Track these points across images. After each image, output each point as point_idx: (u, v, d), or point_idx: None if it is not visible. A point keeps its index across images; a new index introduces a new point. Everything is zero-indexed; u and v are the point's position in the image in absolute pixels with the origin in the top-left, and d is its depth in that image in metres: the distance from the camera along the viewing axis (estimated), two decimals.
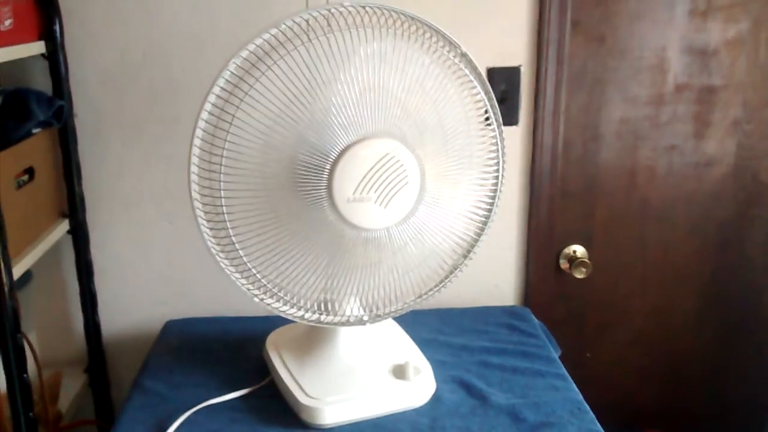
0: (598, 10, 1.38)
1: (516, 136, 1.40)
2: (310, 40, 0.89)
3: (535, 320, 1.32)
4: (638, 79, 1.42)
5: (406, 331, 1.18)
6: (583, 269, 1.46)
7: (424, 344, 1.15)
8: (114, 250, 1.38)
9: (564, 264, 1.50)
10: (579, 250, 1.49)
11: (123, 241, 1.38)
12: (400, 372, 1.05)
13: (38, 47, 1.19)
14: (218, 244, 0.94)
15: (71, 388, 1.31)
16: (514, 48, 1.36)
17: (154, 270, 1.40)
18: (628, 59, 1.41)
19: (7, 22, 1.08)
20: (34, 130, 1.17)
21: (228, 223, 0.93)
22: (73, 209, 1.30)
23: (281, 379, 1.06)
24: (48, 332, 1.38)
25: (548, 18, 1.35)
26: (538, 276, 1.48)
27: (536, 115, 1.40)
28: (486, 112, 1.00)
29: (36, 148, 1.19)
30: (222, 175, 0.91)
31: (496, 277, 1.46)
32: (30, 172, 1.16)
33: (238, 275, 0.95)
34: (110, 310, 1.40)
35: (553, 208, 1.46)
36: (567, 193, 1.46)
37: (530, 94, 1.39)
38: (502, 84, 1.38)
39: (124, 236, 1.38)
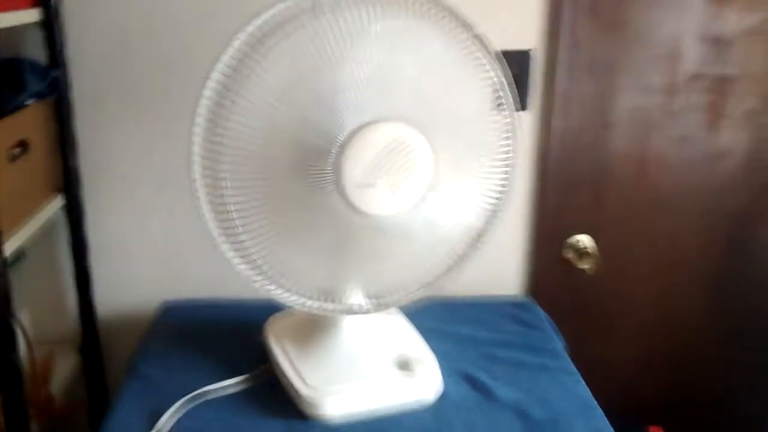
0: None
1: (525, 122, 1.36)
2: (318, 16, 0.85)
3: (542, 312, 1.29)
4: (652, 66, 1.38)
5: (410, 320, 1.15)
6: (590, 260, 1.44)
7: (428, 334, 1.12)
8: (111, 227, 1.34)
9: (570, 254, 1.47)
10: (586, 240, 1.46)
11: (120, 218, 1.34)
12: (403, 364, 1.02)
13: (33, 14, 1.14)
14: (219, 227, 0.91)
15: (64, 369, 1.28)
16: (526, 31, 1.32)
17: (152, 249, 1.36)
18: (643, 46, 1.37)
19: None
20: (28, 102, 1.13)
21: (230, 206, 0.90)
22: (69, 185, 1.26)
23: (280, 366, 1.03)
24: (41, 311, 1.35)
25: (563, 2, 1.31)
26: (543, 265, 1.45)
27: (547, 100, 1.36)
28: (499, 97, 0.96)
29: (30, 120, 1.15)
30: (224, 156, 0.87)
31: (501, 266, 1.43)
32: (23, 145, 1.12)
33: (239, 260, 0.91)
34: (106, 290, 1.37)
35: (561, 196, 1.43)
36: (576, 180, 1.43)
37: (541, 78, 1.35)
38: (512, 68, 1.33)
39: (121, 214, 1.34)
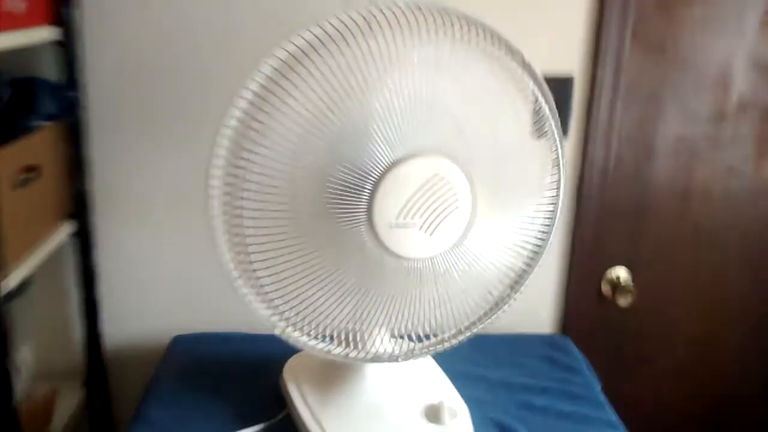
0: (661, 17, 1.26)
1: (564, 150, 1.28)
2: (356, 41, 0.78)
3: (578, 352, 1.21)
4: (699, 93, 1.31)
5: (439, 363, 1.07)
6: (627, 296, 1.35)
7: (458, 378, 1.03)
8: (122, 255, 1.28)
9: (606, 289, 1.39)
10: (623, 275, 1.38)
11: (132, 245, 1.28)
12: (432, 413, 0.93)
13: (52, 33, 1.09)
14: (237, 264, 0.83)
15: (67, 405, 1.21)
16: (568, 55, 1.26)
17: (164, 278, 1.30)
18: (690, 72, 1.30)
19: (21, 6, 0.98)
20: (43, 123, 1.08)
21: (249, 240, 0.82)
22: (80, 210, 1.20)
23: (299, 413, 0.95)
24: (46, 343, 1.28)
25: (607, 24, 1.24)
26: (579, 300, 1.38)
27: (586, 127, 1.29)
28: (542, 126, 0.89)
29: (43, 143, 1.09)
30: (246, 186, 0.80)
31: (534, 302, 1.36)
32: (34, 169, 1.05)
33: (259, 303, 0.84)
34: (114, 320, 1.30)
35: (599, 229, 1.35)
36: (614, 213, 1.36)
37: (582, 105, 1.28)
38: (554, 95, 1.26)
39: (133, 240, 1.28)
